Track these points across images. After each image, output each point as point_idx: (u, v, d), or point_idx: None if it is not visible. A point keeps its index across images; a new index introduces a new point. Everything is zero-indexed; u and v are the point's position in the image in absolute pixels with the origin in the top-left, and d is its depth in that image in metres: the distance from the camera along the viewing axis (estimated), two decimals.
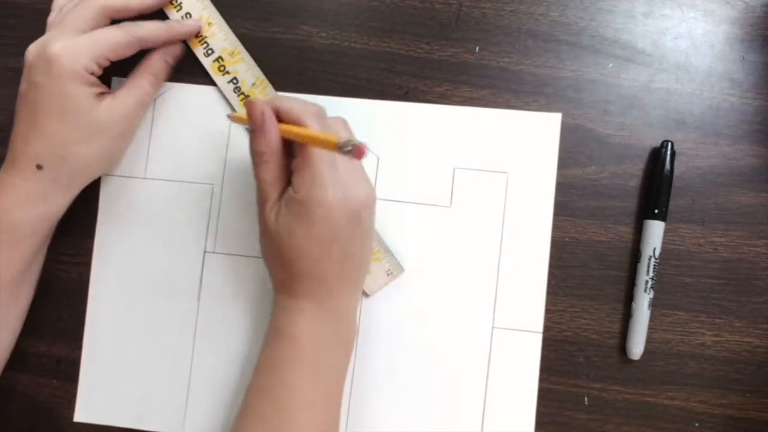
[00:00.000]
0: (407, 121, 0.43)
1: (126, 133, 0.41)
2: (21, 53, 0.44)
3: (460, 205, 0.42)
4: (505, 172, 0.42)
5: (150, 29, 0.41)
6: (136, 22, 0.41)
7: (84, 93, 0.38)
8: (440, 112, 0.43)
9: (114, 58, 0.40)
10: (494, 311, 0.42)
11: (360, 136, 0.42)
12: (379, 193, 0.42)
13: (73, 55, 0.38)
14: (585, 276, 0.42)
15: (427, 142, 0.43)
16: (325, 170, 0.35)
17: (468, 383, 0.41)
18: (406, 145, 0.43)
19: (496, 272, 0.42)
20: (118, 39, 0.40)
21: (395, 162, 0.43)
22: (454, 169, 0.42)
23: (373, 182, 0.42)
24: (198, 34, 0.43)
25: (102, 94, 0.40)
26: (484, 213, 0.42)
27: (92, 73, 0.39)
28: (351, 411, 0.42)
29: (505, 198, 0.42)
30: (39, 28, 0.44)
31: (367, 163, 0.42)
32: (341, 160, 0.36)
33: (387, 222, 0.42)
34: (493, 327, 0.42)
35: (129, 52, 0.41)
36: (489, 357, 0.42)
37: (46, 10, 0.44)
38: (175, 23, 0.42)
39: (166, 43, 0.42)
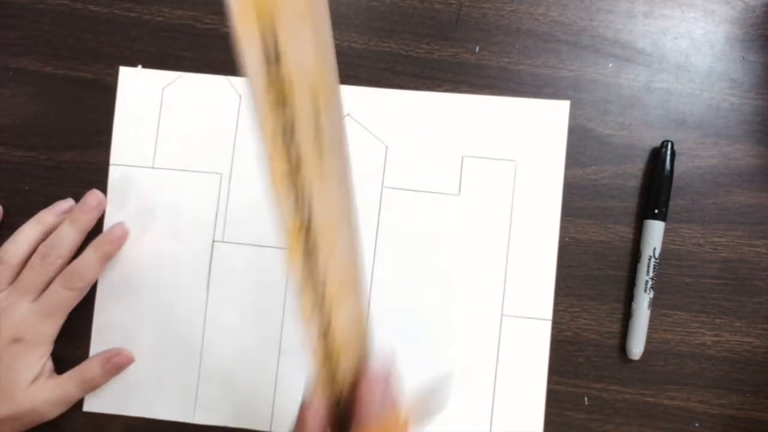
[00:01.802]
0: (415, 110, 0.43)
1: (36, 418, 0.41)
2: (21, 53, 0.44)
3: (468, 193, 0.42)
4: (514, 160, 0.42)
5: (89, 273, 0.41)
6: (74, 271, 0.41)
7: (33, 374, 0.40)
8: (448, 101, 0.43)
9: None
10: (503, 299, 0.42)
11: (368, 124, 0.43)
12: (387, 182, 0.43)
13: (37, 332, 0.40)
14: (585, 276, 0.42)
15: (435, 131, 0.43)
16: None
17: (477, 371, 0.42)
18: (415, 134, 0.43)
19: (505, 260, 0.42)
20: (68, 299, 0.41)
21: (403, 151, 0.43)
22: (462, 157, 0.43)
23: (381, 171, 0.43)
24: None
25: (42, 371, 0.41)
26: (492, 201, 0.42)
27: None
28: None
29: (514, 185, 0.42)
30: (39, 28, 0.44)
31: (376, 151, 0.43)
32: None
33: (396, 210, 0.42)
34: (502, 315, 0.42)
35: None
36: (498, 345, 0.42)
37: (46, 10, 0.44)
38: (104, 243, 0.42)
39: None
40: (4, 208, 0.44)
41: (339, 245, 0.26)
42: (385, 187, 0.43)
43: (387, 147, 0.43)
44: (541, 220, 0.42)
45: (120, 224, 0.43)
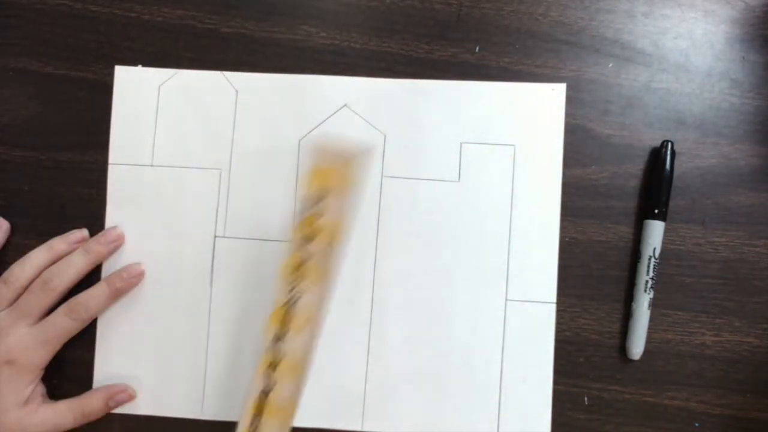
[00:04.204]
0: (412, 98, 0.43)
1: None
2: (22, 53, 0.44)
3: (468, 179, 0.43)
4: (512, 145, 0.42)
5: (95, 305, 0.41)
6: (80, 302, 0.41)
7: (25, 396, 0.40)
8: (444, 88, 0.43)
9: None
10: (507, 284, 0.42)
11: (366, 115, 0.43)
12: (387, 171, 0.43)
13: (30, 358, 0.40)
14: (585, 276, 0.42)
15: (433, 118, 0.43)
16: None
17: (483, 357, 0.42)
18: (412, 122, 0.43)
19: (507, 245, 0.42)
20: (69, 329, 0.41)
21: (402, 139, 0.43)
22: (460, 143, 0.43)
23: (380, 160, 0.43)
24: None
25: (32, 396, 0.40)
26: (493, 186, 0.42)
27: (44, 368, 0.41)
28: (368, 389, 0.42)
29: (513, 170, 0.42)
30: (39, 28, 0.44)
31: (374, 141, 0.43)
32: None
33: (396, 199, 0.43)
34: (506, 300, 0.42)
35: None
36: (504, 330, 0.42)
37: (46, 10, 0.44)
38: (118, 280, 0.42)
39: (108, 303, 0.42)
40: (4, 208, 0.44)
41: (306, 335, 0.35)
42: (385, 176, 0.43)
43: (385, 136, 0.43)
44: (542, 203, 0.42)
45: (138, 264, 0.43)
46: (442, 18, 0.43)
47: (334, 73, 0.43)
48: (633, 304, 0.41)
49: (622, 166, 0.42)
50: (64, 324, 0.40)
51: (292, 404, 0.35)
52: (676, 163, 0.41)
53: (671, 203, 0.42)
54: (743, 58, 0.43)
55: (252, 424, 0.35)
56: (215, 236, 0.43)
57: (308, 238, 0.35)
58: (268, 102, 0.43)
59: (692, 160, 0.42)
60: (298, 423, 0.42)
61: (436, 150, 0.43)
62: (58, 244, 0.42)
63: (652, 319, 0.41)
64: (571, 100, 0.42)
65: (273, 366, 0.35)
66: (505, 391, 0.42)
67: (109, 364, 0.43)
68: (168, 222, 0.43)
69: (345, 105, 0.43)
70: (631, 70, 0.43)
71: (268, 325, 0.35)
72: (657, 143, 0.42)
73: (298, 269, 0.35)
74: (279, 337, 0.35)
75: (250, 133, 0.43)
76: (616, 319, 0.42)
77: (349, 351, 0.42)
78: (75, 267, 0.41)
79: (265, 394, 0.35)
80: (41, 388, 0.41)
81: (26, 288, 0.41)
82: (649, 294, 0.41)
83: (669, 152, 0.41)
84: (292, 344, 0.35)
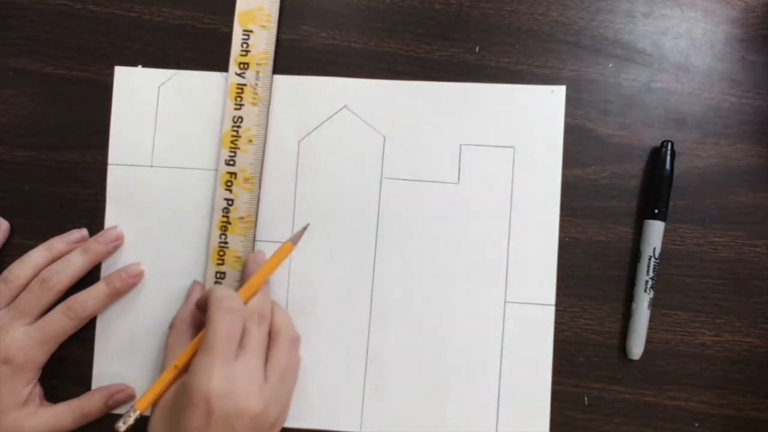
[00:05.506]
0: (412, 100, 0.43)
1: None
2: (21, 53, 0.44)
3: (468, 181, 0.43)
4: (512, 147, 0.42)
5: (93, 304, 0.41)
6: (78, 301, 0.41)
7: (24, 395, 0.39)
8: (444, 90, 0.43)
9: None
10: (506, 286, 0.42)
11: (366, 116, 0.43)
12: (386, 173, 0.43)
13: (28, 357, 0.39)
14: (585, 276, 0.42)
15: (433, 120, 0.43)
16: (217, 360, 0.35)
17: (482, 358, 0.42)
18: (412, 124, 0.43)
19: (506, 247, 0.42)
20: (66, 328, 0.40)
21: (401, 141, 0.43)
22: (460, 145, 0.43)
23: (380, 162, 0.43)
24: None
25: (30, 397, 0.40)
26: (492, 188, 0.42)
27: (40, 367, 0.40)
28: (367, 390, 0.42)
29: (513, 172, 0.42)
30: (39, 28, 0.44)
31: (374, 143, 0.43)
32: (245, 359, 0.36)
33: (396, 201, 0.43)
34: (505, 301, 0.42)
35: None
36: (502, 332, 0.42)
37: (46, 10, 0.44)
38: (117, 280, 0.42)
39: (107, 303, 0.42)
40: (4, 208, 0.44)
41: (251, 151, 0.42)
42: (385, 178, 0.43)
43: (385, 138, 0.43)
44: (541, 206, 0.42)
45: (137, 264, 0.43)
46: (442, 18, 0.43)
47: (334, 73, 0.43)
48: (633, 304, 0.41)
49: (622, 166, 0.42)
50: (61, 323, 0.40)
51: (250, 214, 0.42)
52: (676, 163, 0.41)
53: (671, 203, 0.42)
54: (743, 58, 0.43)
55: (220, 238, 0.41)
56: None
57: (243, 69, 0.42)
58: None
59: (692, 160, 0.42)
60: (297, 424, 0.42)
61: (435, 152, 0.43)
62: (58, 243, 0.42)
63: (652, 319, 0.41)
64: (571, 100, 0.42)
65: (230, 183, 0.42)
66: (504, 393, 0.41)
67: (108, 364, 0.43)
68: (168, 222, 0.43)
69: (345, 106, 0.43)
70: (631, 70, 0.43)
71: (219, 150, 0.42)
72: (657, 143, 0.42)
73: (239, 96, 0.42)
74: (230, 158, 0.42)
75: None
76: (616, 319, 0.42)
77: (347, 352, 0.42)
78: (74, 266, 0.41)
79: (226, 212, 0.42)
80: (39, 390, 0.41)
81: (25, 287, 0.41)
82: (649, 294, 0.41)
83: (669, 152, 0.41)
84: (242, 161, 0.42)
